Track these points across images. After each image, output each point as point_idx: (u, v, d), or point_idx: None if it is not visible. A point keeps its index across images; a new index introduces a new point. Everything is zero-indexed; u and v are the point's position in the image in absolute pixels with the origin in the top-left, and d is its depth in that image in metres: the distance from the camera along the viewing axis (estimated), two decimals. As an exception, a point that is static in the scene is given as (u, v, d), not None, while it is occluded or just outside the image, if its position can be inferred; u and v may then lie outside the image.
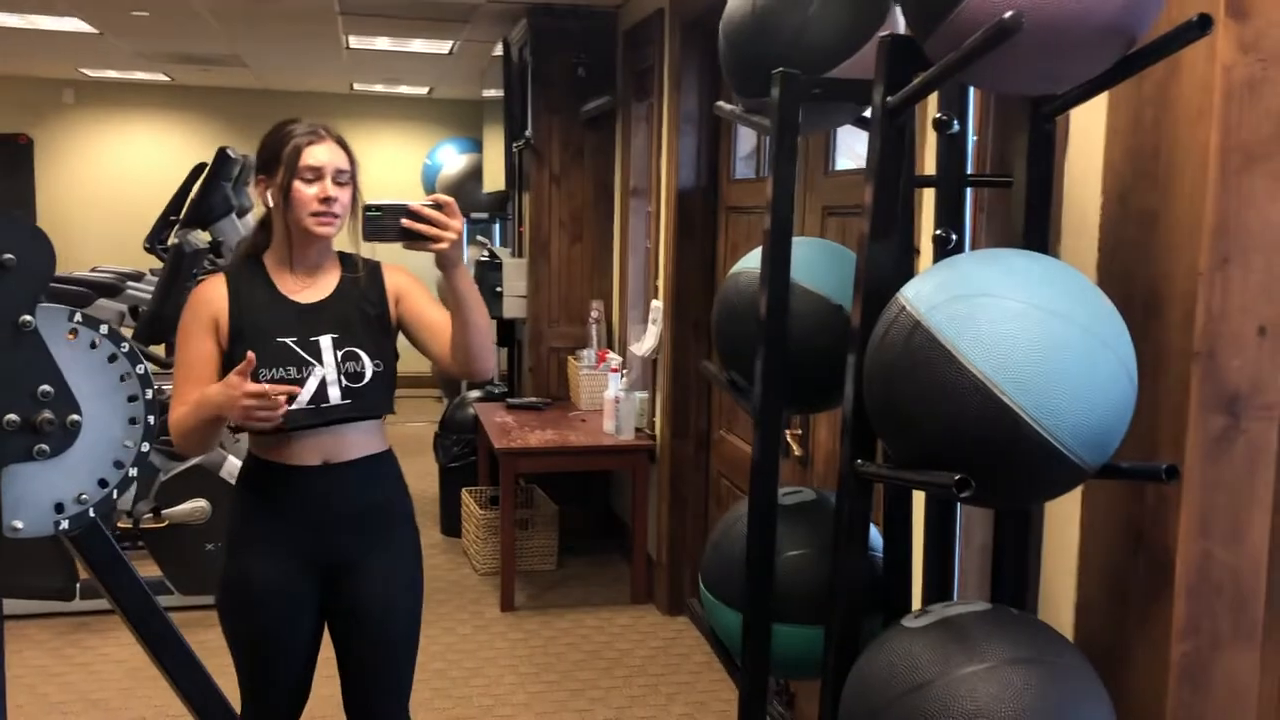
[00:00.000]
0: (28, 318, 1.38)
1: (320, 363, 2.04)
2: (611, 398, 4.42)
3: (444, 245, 1.90)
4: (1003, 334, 1.13)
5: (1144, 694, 1.42)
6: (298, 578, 2.10)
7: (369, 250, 2.09)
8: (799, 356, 1.52)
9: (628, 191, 4.91)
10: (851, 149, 3.28)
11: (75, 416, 1.47)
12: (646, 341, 4.43)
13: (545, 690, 3.57)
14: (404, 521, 2.21)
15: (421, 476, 5.57)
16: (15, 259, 1.37)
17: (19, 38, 6.52)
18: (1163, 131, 1.41)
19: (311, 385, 2.03)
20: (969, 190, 1.72)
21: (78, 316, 1.43)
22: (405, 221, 1.88)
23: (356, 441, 2.11)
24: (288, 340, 2.04)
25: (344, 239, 2.11)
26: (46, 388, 1.41)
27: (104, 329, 1.48)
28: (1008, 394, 1.12)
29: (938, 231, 1.53)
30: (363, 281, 2.15)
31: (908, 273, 1.40)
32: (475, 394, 5.35)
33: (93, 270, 6.69)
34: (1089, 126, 1.57)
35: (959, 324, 1.15)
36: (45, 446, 1.43)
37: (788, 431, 3.27)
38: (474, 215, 7.40)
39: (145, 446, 1.60)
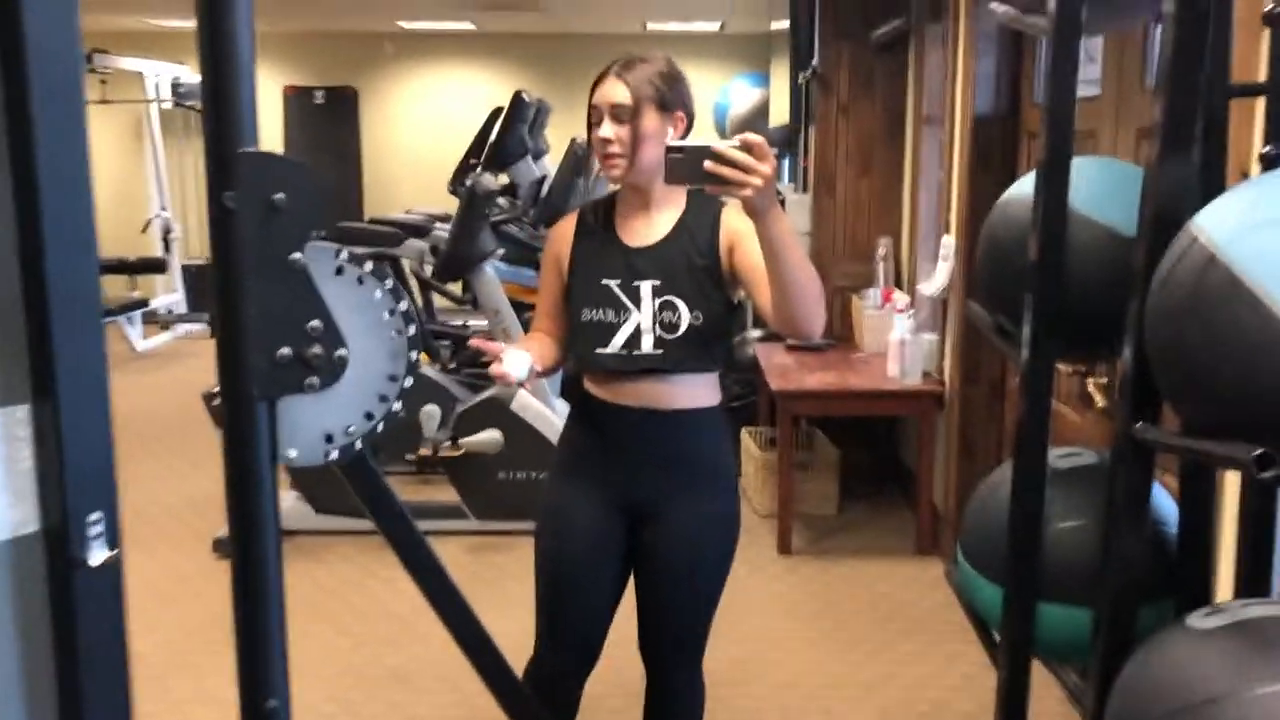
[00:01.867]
0: (297, 255, 1.40)
1: (638, 308, 2.02)
2: (897, 340, 4.21)
3: (749, 191, 1.69)
4: None
5: None
6: (608, 511, 2.12)
7: None
8: (1078, 298, 1.29)
9: (920, 120, 4.61)
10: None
11: (342, 351, 1.50)
12: (936, 280, 4.17)
13: (818, 638, 3.48)
14: (719, 482, 2.14)
15: (704, 415, 5.58)
16: (286, 199, 1.39)
17: (341, -6, 7.02)
18: None
19: (627, 330, 2.02)
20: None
21: (344, 254, 1.45)
22: (708, 164, 1.71)
23: (679, 393, 2.05)
24: (611, 283, 2.04)
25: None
26: (316, 323, 1.44)
27: (368, 266, 1.50)
28: None
29: (1267, 148, 1.26)
30: (696, 228, 2.06)
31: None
32: (756, 333, 5.28)
33: (406, 212, 7.17)
34: None
35: (1268, 258, 0.92)
36: (315, 380, 1.47)
37: (1091, 380, 2.95)
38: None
39: (408, 381, 1.63)
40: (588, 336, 2.06)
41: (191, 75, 9.32)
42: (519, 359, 1.95)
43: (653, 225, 2.08)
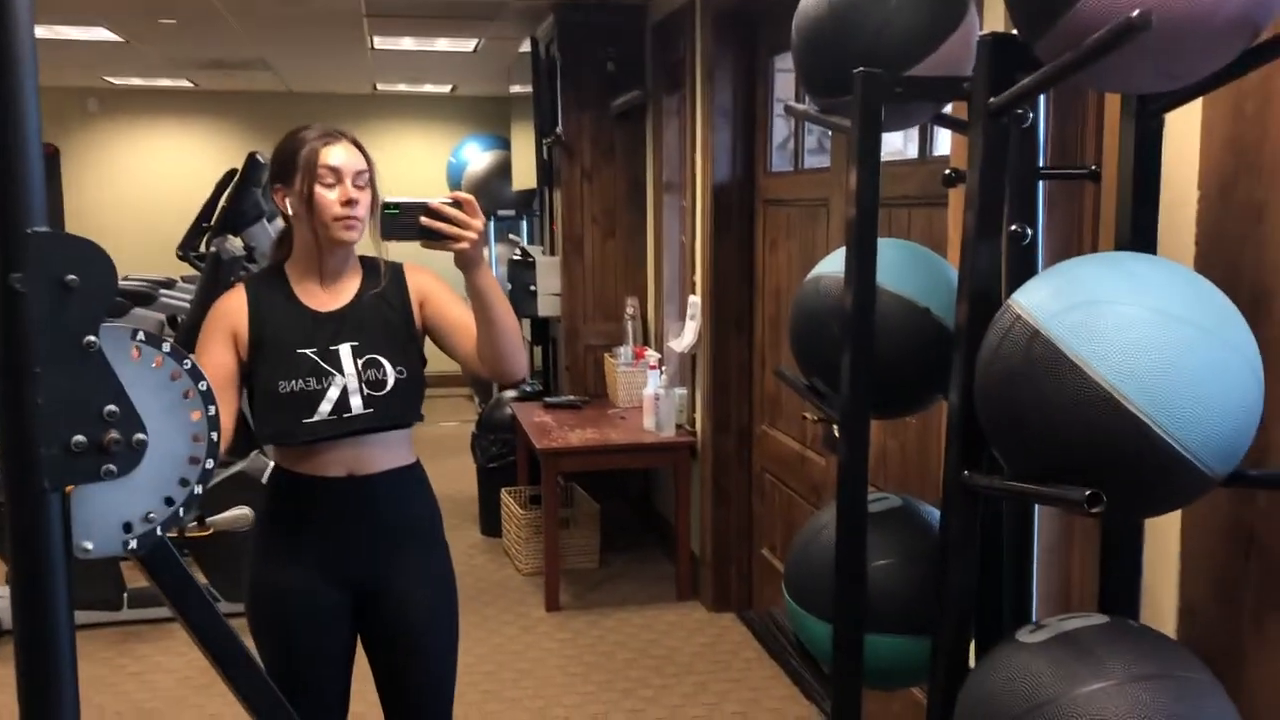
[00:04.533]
0: (92, 338, 1.35)
1: (341, 372, 2.00)
2: (651, 394, 4.38)
3: (464, 245, 1.83)
4: (1128, 342, 1.09)
5: (1267, 703, 1.37)
6: (327, 590, 2.06)
7: (396, 252, 2.04)
8: (884, 361, 1.48)
9: (660, 186, 4.86)
10: (885, 142, 3.23)
11: (141, 435, 1.44)
12: (685, 337, 4.39)
13: (596, 690, 3.55)
14: (435, 543, 2.16)
15: (459, 477, 5.56)
16: (78, 279, 1.33)
17: (45, 48, 6.54)
18: (1268, 122, 1.36)
19: (333, 395, 1.99)
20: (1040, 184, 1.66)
21: (140, 335, 1.40)
22: (424, 220, 1.81)
23: (382, 454, 2.06)
24: (307, 351, 2.00)
25: (365, 243, 2.07)
26: (112, 407, 1.38)
27: (166, 346, 1.45)
28: (1135, 403, 1.08)
29: (1013, 227, 1.48)
30: (384, 286, 2.09)
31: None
32: (511, 393, 5.33)
33: (124, 279, 6.72)
34: (1181, 120, 1.51)
35: (1081, 333, 1.11)
36: (113, 466, 1.41)
37: (816, 418, 3.21)
38: (500, 212, 7.38)
39: (210, 463, 1.58)
40: (289, 408, 1.99)
41: None
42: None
43: (337, 289, 2.08)
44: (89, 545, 1.46)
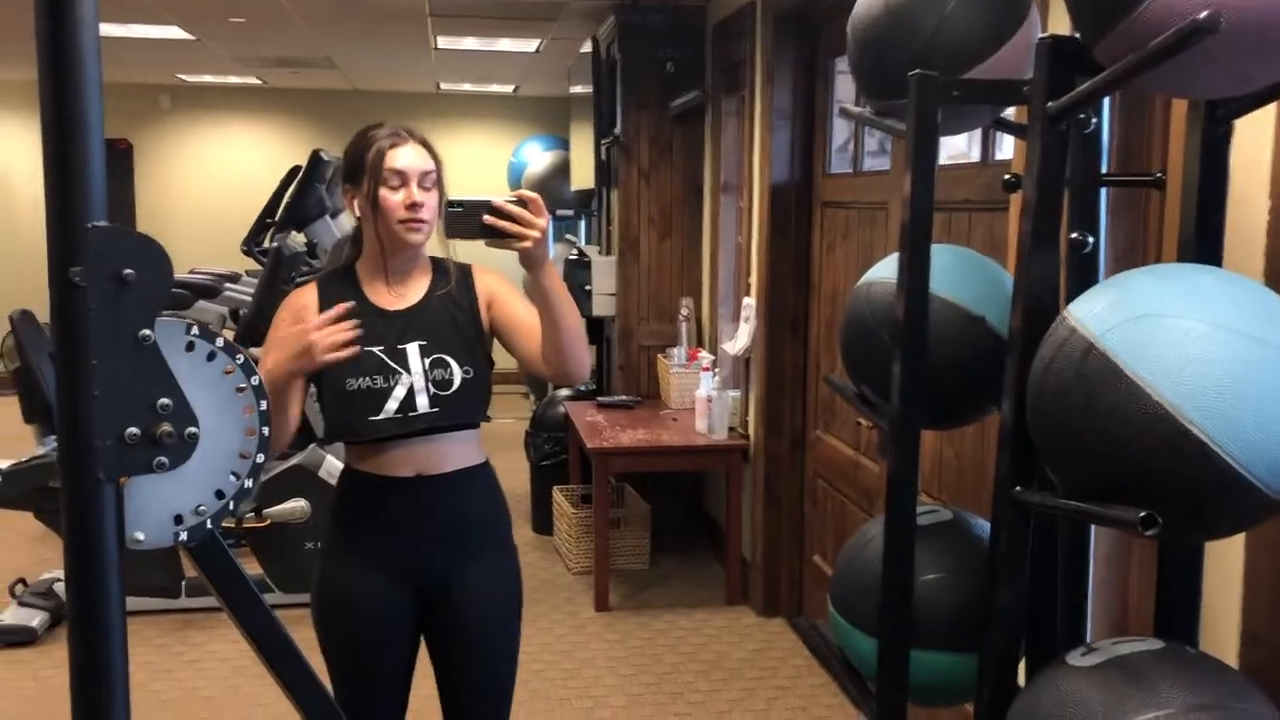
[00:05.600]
0: (146, 331, 1.37)
1: (407, 371, 2.00)
2: (704, 396, 4.37)
3: (527, 244, 1.82)
4: (1188, 358, 1.05)
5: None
6: (394, 592, 2.06)
7: (465, 253, 2.04)
8: (937, 371, 1.44)
9: (718, 187, 4.84)
10: (946, 144, 3.18)
11: (193, 429, 1.46)
12: (739, 340, 4.37)
13: (644, 693, 3.54)
14: (502, 543, 2.16)
15: (512, 474, 5.58)
16: (134, 274, 1.35)
17: (120, 46, 6.70)
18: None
19: (399, 394, 1.99)
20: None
21: (194, 329, 1.42)
22: (487, 218, 1.80)
23: (450, 453, 2.06)
24: (375, 349, 2.00)
25: (435, 244, 2.07)
26: (165, 400, 1.39)
27: (220, 341, 1.47)
28: (1194, 422, 1.04)
29: (1074, 235, 1.44)
30: (453, 286, 2.10)
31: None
32: (565, 392, 5.34)
33: (191, 272, 6.85)
34: (1251, 126, 1.46)
35: (1138, 348, 1.07)
36: (164, 459, 1.42)
37: (870, 425, 3.17)
38: (559, 212, 7.41)
39: (260, 458, 1.60)
40: (357, 405, 2.00)
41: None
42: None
43: (406, 288, 2.09)
44: (141, 536, 1.48)
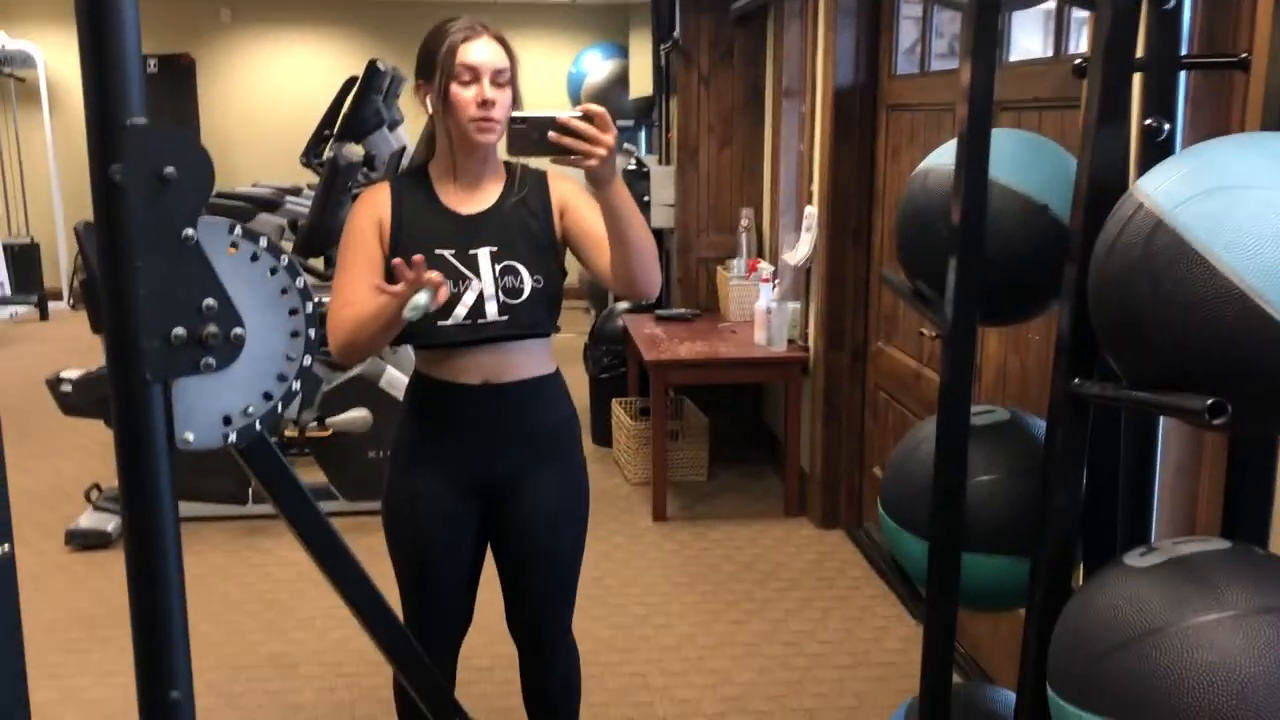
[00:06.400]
0: (190, 231, 1.35)
1: (477, 276, 1.98)
2: (763, 308, 4.31)
3: (594, 161, 1.75)
4: (1266, 233, 0.96)
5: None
6: (461, 497, 2.07)
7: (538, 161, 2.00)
8: (996, 263, 1.36)
9: (780, 92, 4.71)
10: (1018, 43, 3.03)
11: (239, 330, 1.45)
12: (800, 250, 4.28)
13: (699, 601, 3.56)
14: (570, 450, 2.15)
15: (572, 387, 5.57)
16: (176, 172, 1.33)
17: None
18: None
19: (469, 299, 1.97)
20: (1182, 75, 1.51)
21: (238, 230, 1.40)
22: (552, 135, 1.73)
23: (519, 362, 2.04)
24: (445, 252, 1.98)
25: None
26: (210, 301, 1.38)
27: (264, 242, 1.45)
28: (1272, 303, 0.95)
29: (1148, 121, 1.35)
30: (527, 193, 2.05)
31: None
32: (623, 305, 5.31)
33: (253, 185, 6.90)
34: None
35: (1212, 222, 0.99)
36: (211, 360, 1.42)
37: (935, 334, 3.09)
38: (619, 122, 7.30)
39: (307, 360, 1.59)
40: None
41: (10, 42, 8.71)
42: (425, 295, 1.81)
43: (480, 193, 2.04)
44: (190, 436, 1.49)
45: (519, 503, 2.09)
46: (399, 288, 1.78)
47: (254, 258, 1.52)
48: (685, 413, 4.98)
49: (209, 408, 1.50)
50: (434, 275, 1.80)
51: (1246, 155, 1.04)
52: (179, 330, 1.43)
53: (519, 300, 1.99)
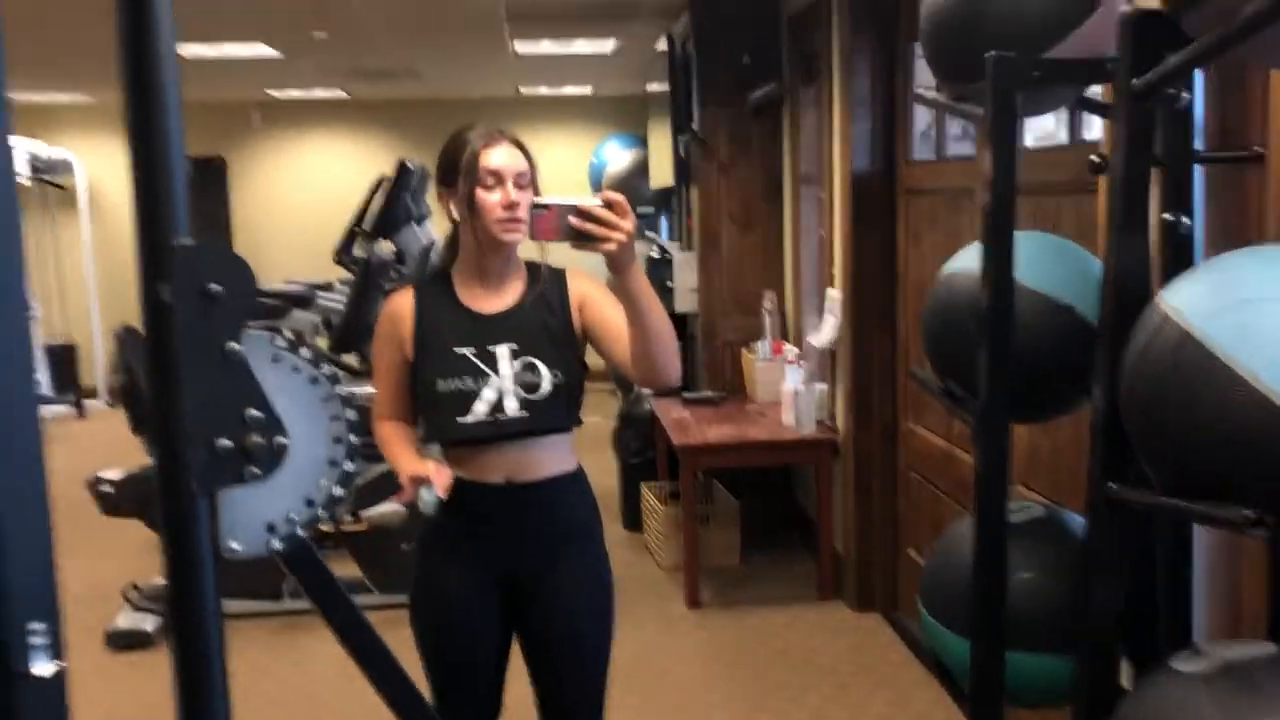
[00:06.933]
0: (234, 345, 1.40)
1: (496, 373, 2.02)
2: (791, 390, 4.32)
3: (613, 246, 1.76)
4: None
5: None
6: (486, 589, 2.09)
7: (562, 257, 2.05)
8: (1022, 362, 1.39)
9: (798, 179, 4.79)
10: (1032, 124, 3.08)
11: (282, 439, 1.48)
12: (824, 332, 4.32)
13: (738, 689, 3.52)
14: (593, 545, 2.17)
15: (602, 472, 5.60)
16: (221, 289, 1.38)
17: (211, 66, 6.91)
18: None
19: (489, 396, 2.00)
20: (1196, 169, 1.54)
21: (280, 340, 1.44)
22: (574, 220, 1.77)
23: (541, 459, 2.07)
24: (465, 351, 2.03)
25: (530, 247, 2.08)
26: (254, 412, 1.42)
27: (305, 352, 1.49)
28: None
29: (1166, 215, 1.38)
30: (546, 290, 2.11)
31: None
32: (650, 390, 5.35)
33: (286, 282, 7.03)
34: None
35: (1238, 335, 1.02)
36: (256, 469, 1.45)
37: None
38: (639, 210, 7.42)
39: (349, 465, 1.62)
40: (446, 407, 2.03)
41: (50, 150, 8.99)
42: (429, 493, 1.93)
43: (500, 292, 2.10)
44: (236, 545, 1.52)
45: (545, 595, 2.11)
46: (411, 475, 1.94)
47: (295, 368, 1.56)
48: (715, 496, 4.97)
49: (254, 515, 1.53)
50: (442, 479, 1.92)
51: (1269, 269, 1.07)
52: (224, 441, 1.46)
53: (538, 395, 2.03)
